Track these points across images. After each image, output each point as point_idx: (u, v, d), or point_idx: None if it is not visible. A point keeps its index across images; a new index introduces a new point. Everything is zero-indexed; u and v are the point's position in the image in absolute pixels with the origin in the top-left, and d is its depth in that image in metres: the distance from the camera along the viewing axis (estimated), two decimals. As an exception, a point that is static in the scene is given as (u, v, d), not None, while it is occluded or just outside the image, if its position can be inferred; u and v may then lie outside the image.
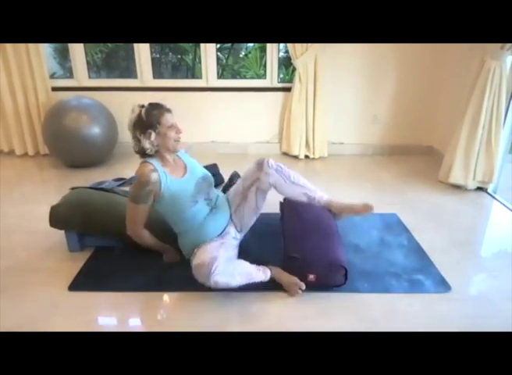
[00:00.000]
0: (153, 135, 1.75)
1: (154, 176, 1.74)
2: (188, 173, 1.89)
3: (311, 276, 1.78)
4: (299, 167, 3.51)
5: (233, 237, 1.97)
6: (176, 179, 1.82)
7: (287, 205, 2.26)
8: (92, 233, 2.10)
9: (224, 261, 1.69)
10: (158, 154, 1.82)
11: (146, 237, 1.89)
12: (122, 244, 2.07)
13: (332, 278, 1.81)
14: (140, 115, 1.75)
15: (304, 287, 1.79)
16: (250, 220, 2.04)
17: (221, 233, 1.92)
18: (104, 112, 3.34)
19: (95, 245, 2.13)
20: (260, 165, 1.93)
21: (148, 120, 1.74)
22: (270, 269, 1.84)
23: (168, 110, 1.80)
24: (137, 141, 1.77)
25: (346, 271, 1.79)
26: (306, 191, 1.95)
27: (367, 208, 1.91)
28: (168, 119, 1.78)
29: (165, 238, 1.97)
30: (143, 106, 1.77)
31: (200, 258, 1.71)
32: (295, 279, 1.80)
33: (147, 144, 1.76)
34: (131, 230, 1.86)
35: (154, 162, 1.79)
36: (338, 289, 1.83)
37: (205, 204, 1.90)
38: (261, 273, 1.80)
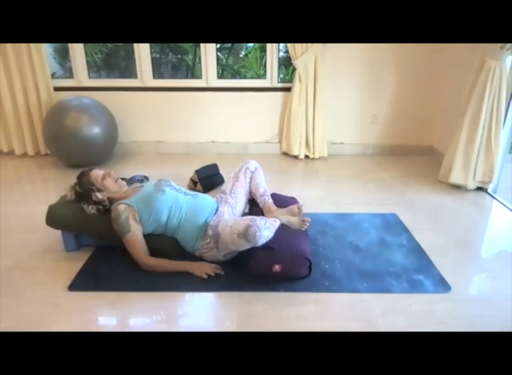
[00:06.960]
0: (97, 195, 1.97)
1: (121, 206, 1.92)
2: (145, 185, 2.09)
3: (277, 267, 1.82)
4: (299, 167, 3.51)
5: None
6: (137, 194, 2.01)
7: (255, 203, 2.28)
8: (88, 235, 2.09)
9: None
10: (113, 198, 2.01)
11: (158, 263, 1.92)
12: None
13: (297, 270, 1.86)
14: (76, 191, 2.01)
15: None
16: (244, 198, 2.24)
17: (215, 213, 2.03)
18: (104, 112, 3.34)
19: (91, 245, 2.13)
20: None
21: (84, 189, 1.99)
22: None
23: (91, 169, 2.05)
24: (91, 209, 1.98)
25: (310, 263, 1.84)
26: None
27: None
28: (96, 174, 2.02)
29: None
30: (75, 184, 2.02)
31: (238, 226, 1.75)
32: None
33: (99, 207, 1.98)
34: (141, 263, 1.91)
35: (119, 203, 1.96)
36: (338, 289, 1.83)
37: (176, 191, 2.03)
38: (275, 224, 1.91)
